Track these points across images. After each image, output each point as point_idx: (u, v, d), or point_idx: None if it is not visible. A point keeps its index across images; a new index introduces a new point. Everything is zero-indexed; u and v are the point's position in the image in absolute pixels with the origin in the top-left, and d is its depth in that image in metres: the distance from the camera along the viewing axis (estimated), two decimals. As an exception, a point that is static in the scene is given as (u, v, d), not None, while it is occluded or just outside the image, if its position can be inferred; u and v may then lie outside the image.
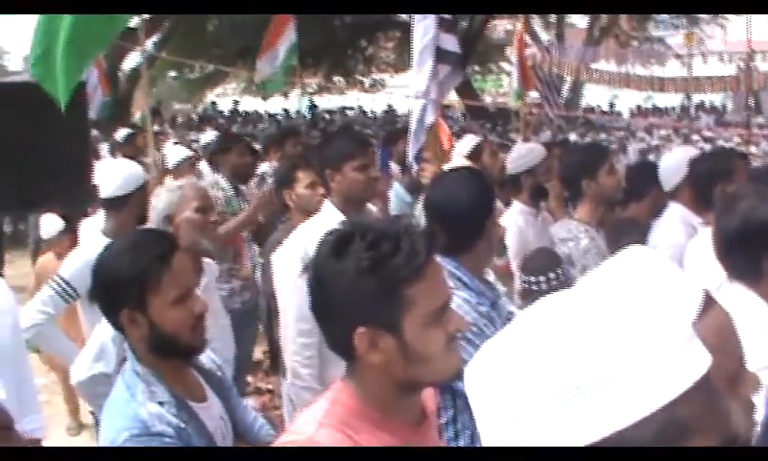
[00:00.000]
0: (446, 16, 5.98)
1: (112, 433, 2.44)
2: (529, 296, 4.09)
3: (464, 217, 3.08)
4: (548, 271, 4.08)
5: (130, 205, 4.69)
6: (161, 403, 2.51)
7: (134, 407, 2.48)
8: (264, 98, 17.51)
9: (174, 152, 7.96)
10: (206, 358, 2.87)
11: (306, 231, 4.16)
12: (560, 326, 1.03)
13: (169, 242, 2.70)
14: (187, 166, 7.44)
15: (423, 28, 5.92)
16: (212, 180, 6.90)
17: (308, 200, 5.20)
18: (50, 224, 6.78)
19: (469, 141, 6.89)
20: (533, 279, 4.02)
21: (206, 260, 4.23)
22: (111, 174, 4.92)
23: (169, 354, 2.61)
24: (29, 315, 4.35)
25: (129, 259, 2.56)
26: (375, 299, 1.88)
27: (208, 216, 4.12)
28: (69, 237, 6.48)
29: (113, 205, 4.79)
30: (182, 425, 2.50)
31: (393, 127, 20.19)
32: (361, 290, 1.87)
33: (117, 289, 2.57)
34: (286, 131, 10.99)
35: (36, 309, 4.35)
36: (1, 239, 12.85)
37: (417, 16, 6.00)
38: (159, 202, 4.08)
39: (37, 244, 12.71)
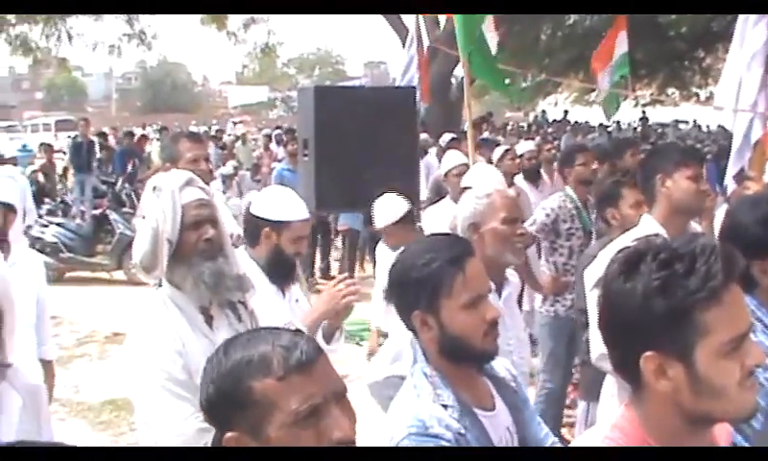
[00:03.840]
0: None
1: (395, 430, 2.48)
2: None
3: (748, 245, 2.65)
4: None
5: None
6: (445, 407, 2.50)
7: (418, 407, 2.50)
8: (607, 117, 17.22)
9: (449, 157, 7.97)
10: (502, 367, 2.83)
11: (623, 246, 4.00)
12: None
13: (463, 246, 2.69)
14: (454, 176, 7.40)
15: (753, 36, 5.53)
16: (561, 191, 6.95)
17: (632, 220, 4.85)
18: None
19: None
20: None
21: (510, 272, 4.07)
22: None
23: (459, 359, 2.60)
24: None
25: (422, 262, 2.58)
26: (665, 322, 1.77)
27: (515, 228, 3.88)
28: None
29: None
30: (462, 432, 2.47)
31: (728, 142, 19.23)
32: (650, 312, 1.77)
33: (410, 291, 2.60)
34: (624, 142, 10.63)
35: None
36: (330, 235, 13.60)
37: (743, 24, 5.62)
38: (466, 208, 3.92)
39: (365, 240, 13.40)
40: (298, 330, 1.94)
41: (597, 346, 3.99)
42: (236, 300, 3.20)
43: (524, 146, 9.93)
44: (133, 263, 3.16)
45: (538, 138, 23.57)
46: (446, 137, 10.13)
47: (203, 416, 2.15)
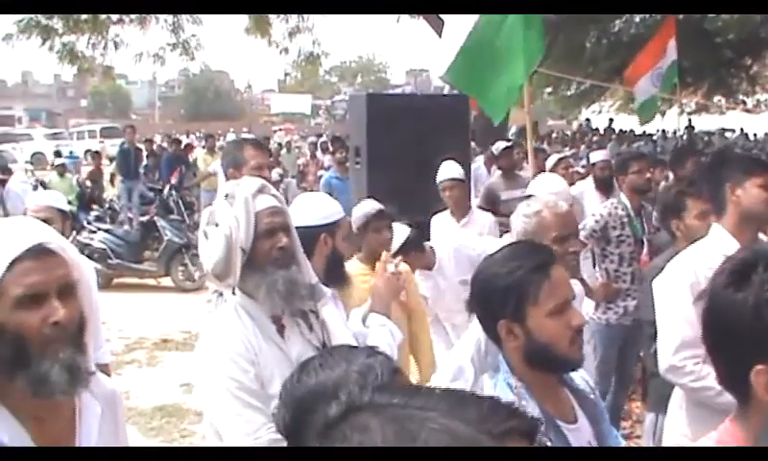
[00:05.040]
0: None
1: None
2: None
3: None
4: None
5: None
6: None
7: None
8: (641, 123, 17.15)
9: (442, 168, 7.93)
10: (580, 379, 2.79)
11: (694, 257, 3.95)
12: None
13: (547, 253, 2.66)
14: (441, 190, 7.52)
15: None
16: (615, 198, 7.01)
17: (697, 231, 4.75)
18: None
19: None
20: None
21: (573, 282, 4.01)
22: None
23: (544, 367, 2.57)
24: None
25: (507, 270, 2.55)
26: None
27: (567, 245, 3.83)
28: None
29: None
30: (549, 445, 2.42)
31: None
32: (762, 324, 1.71)
33: (495, 300, 2.56)
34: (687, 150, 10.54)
35: None
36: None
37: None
38: (516, 226, 3.91)
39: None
40: (372, 349, 1.89)
41: (666, 357, 3.93)
42: (308, 309, 3.17)
43: (597, 155, 9.36)
44: (206, 271, 3.12)
45: (583, 147, 23.42)
46: (500, 145, 9.99)
47: (275, 427, 2.13)
